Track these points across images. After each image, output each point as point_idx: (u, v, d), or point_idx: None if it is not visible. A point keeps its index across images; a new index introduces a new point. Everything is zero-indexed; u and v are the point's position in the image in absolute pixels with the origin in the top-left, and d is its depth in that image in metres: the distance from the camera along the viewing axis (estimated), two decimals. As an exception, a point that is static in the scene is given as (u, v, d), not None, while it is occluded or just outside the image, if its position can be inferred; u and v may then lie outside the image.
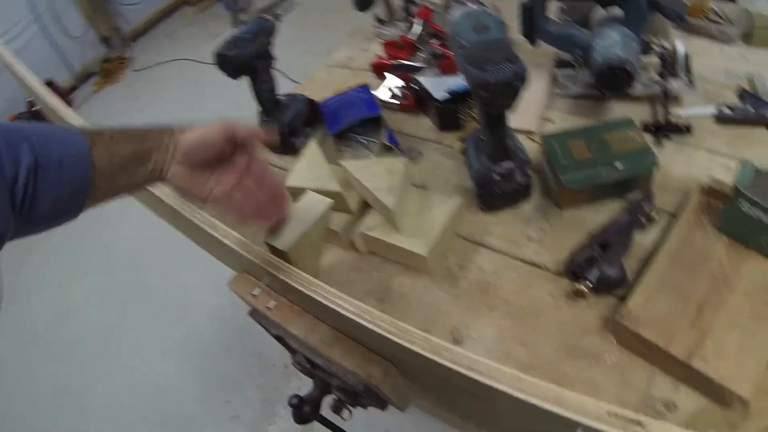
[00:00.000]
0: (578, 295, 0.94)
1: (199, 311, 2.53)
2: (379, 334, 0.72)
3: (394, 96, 1.49)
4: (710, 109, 1.24)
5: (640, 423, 0.55)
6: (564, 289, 0.99)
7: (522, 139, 1.17)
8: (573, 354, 0.90)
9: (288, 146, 1.40)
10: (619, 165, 1.04)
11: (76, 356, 2.55)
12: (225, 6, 4.00)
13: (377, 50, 1.61)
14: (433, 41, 1.49)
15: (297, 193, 1.16)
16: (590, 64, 1.20)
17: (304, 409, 1.03)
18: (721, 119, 1.22)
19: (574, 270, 0.97)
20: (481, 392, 0.68)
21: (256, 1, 4.11)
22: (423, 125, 1.42)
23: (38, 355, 2.61)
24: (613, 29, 1.18)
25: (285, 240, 1.03)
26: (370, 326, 0.73)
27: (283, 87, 1.45)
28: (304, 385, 2.04)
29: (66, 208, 0.66)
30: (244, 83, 1.32)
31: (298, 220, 1.07)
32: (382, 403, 1.05)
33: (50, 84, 3.87)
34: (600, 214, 1.09)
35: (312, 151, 1.25)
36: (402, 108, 1.47)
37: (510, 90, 0.89)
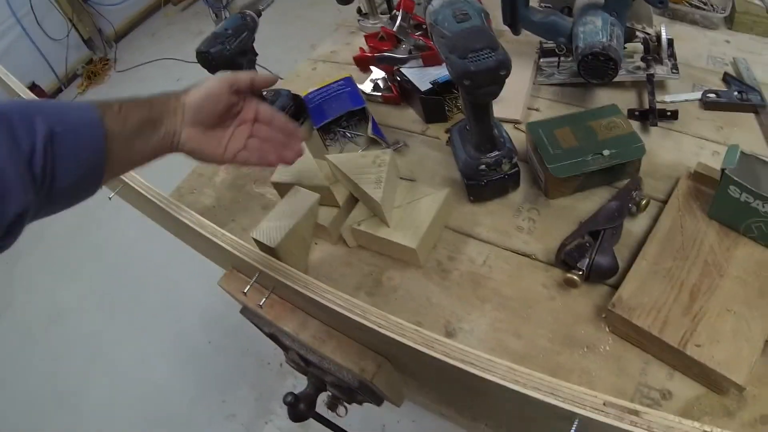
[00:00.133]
0: (570, 284, 0.93)
1: (192, 310, 2.51)
2: (371, 329, 0.72)
3: (378, 88, 1.48)
4: (696, 95, 1.24)
5: (636, 412, 0.55)
6: (555, 278, 0.99)
7: (508, 129, 1.16)
8: (567, 344, 0.90)
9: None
10: (606, 152, 1.04)
11: (70, 358, 2.53)
12: (207, 3, 3.98)
13: (361, 43, 1.60)
14: (416, 33, 1.49)
15: (284, 188, 1.15)
16: (573, 52, 1.20)
17: (299, 407, 1.02)
18: (706, 104, 1.22)
19: (564, 259, 0.96)
20: (476, 385, 0.68)
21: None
22: (408, 117, 1.41)
23: (31, 357, 2.59)
24: (596, 16, 1.18)
25: (273, 236, 1.02)
26: (361, 321, 0.73)
27: (267, 83, 1.43)
28: (299, 383, 2.04)
29: (85, 179, 0.66)
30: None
31: (286, 215, 1.07)
32: (377, 399, 1.04)
33: (34, 87, 3.83)
34: (589, 202, 1.09)
35: (298, 147, 1.24)
36: (387, 100, 1.46)
37: (493, 78, 0.88)
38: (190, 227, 0.93)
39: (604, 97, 1.31)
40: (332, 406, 1.14)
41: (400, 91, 1.43)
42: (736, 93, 1.21)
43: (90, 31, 4.42)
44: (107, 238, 2.96)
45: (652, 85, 1.24)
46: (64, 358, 2.54)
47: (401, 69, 1.41)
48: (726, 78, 1.27)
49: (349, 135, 1.34)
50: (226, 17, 3.89)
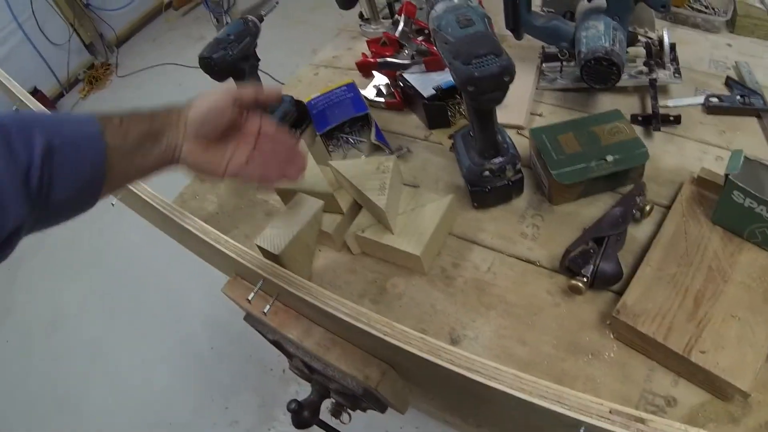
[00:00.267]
0: (574, 291, 0.93)
1: (194, 316, 2.51)
2: (375, 337, 0.72)
3: (380, 94, 1.48)
4: (699, 99, 1.24)
5: (642, 420, 0.55)
6: (560, 285, 0.99)
7: (511, 134, 1.16)
8: (571, 351, 0.90)
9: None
10: (609, 158, 1.03)
11: (71, 363, 2.53)
12: (208, 8, 3.99)
13: (363, 49, 1.61)
14: (419, 38, 1.49)
15: (287, 195, 1.15)
16: (576, 57, 1.20)
17: (303, 414, 1.02)
18: (709, 108, 1.22)
19: (569, 266, 0.96)
20: (481, 392, 0.68)
21: (239, 3, 4.11)
22: (411, 123, 1.41)
23: (32, 363, 2.59)
24: (598, 20, 1.18)
25: (276, 243, 1.02)
26: (366, 328, 0.73)
27: (269, 89, 1.43)
28: (303, 390, 2.04)
29: (83, 193, 0.65)
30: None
31: (289, 222, 1.07)
32: (381, 406, 1.04)
33: (36, 92, 3.84)
34: (593, 208, 1.09)
35: (301, 153, 1.24)
36: (390, 106, 1.46)
37: (498, 84, 0.88)
38: (193, 234, 0.93)
39: (606, 101, 1.31)
40: (336, 413, 1.14)
41: (403, 97, 1.43)
42: (738, 97, 1.21)
43: (91, 36, 4.43)
44: (109, 243, 2.96)
45: (654, 89, 1.24)
46: (65, 363, 2.55)
47: (404, 74, 1.41)
48: (728, 82, 1.27)
49: (352, 141, 1.34)
50: (227, 22, 3.89)
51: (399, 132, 1.39)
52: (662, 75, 1.25)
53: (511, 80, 0.89)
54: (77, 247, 2.99)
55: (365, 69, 1.55)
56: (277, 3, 1.59)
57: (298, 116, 1.43)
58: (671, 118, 1.21)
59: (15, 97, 1.22)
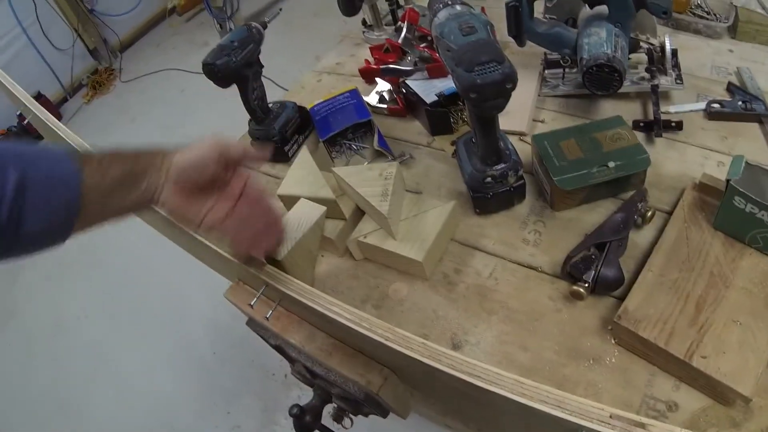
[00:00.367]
0: (576, 296, 0.93)
1: (197, 321, 2.51)
2: (377, 342, 0.72)
3: (383, 100, 1.48)
4: (700, 105, 1.24)
5: (642, 425, 0.55)
6: (561, 291, 0.99)
7: (513, 141, 1.16)
8: (573, 356, 0.90)
9: (280, 154, 1.39)
10: (611, 164, 1.04)
11: (74, 368, 2.53)
12: (211, 14, 4.00)
13: (366, 55, 1.61)
14: (421, 45, 1.49)
15: (290, 201, 1.16)
16: (578, 63, 1.20)
17: (305, 419, 1.02)
18: (711, 114, 1.22)
19: (570, 271, 0.96)
20: (483, 397, 0.68)
21: (242, 9, 4.12)
22: (414, 129, 1.42)
23: (35, 369, 2.59)
24: (600, 27, 1.18)
25: (279, 249, 1.03)
26: (368, 334, 0.73)
27: (272, 94, 1.44)
28: (305, 395, 2.05)
29: (54, 229, 0.65)
30: (233, 91, 1.31)
31: (292, 228, 1.07)
32: (383, 411, 1.04)
33: (39, 97, 3.86)
34: (594, 214, 1.09)
35: (304, 159, 1.25)
36: (392, 112, 1.47)
37: (500, 91, 0.89)
38: (195, 239, 0.93)
39: (608, 108, 1.31)
40: (338, 418, 1.14)
41: (406, 103, 1.44)
42: (740, 102, 1.21)
43: (95, 41, 4.45)
44: (112, 246, 2.95)
45: (656, 95, 1.24)
46: (67, 367, 2.55)
47: (406, 81, 1.42)
48: (730, 87, 1.27)
49: (355, 147, 1.35)
50: (230, 28, 3.91)
51: (402, 138, 1.40)
52: (664, 81, 1.26)
53: (513, 87, 0.89)
54: (80, 251, 2.97)
55: (368, 75, 1.56)
56: (280, 10, 1.60)
57: (301, 122, 1.44)
58: (673, 124, 1.21)
59: (19, 102, 1.22)
